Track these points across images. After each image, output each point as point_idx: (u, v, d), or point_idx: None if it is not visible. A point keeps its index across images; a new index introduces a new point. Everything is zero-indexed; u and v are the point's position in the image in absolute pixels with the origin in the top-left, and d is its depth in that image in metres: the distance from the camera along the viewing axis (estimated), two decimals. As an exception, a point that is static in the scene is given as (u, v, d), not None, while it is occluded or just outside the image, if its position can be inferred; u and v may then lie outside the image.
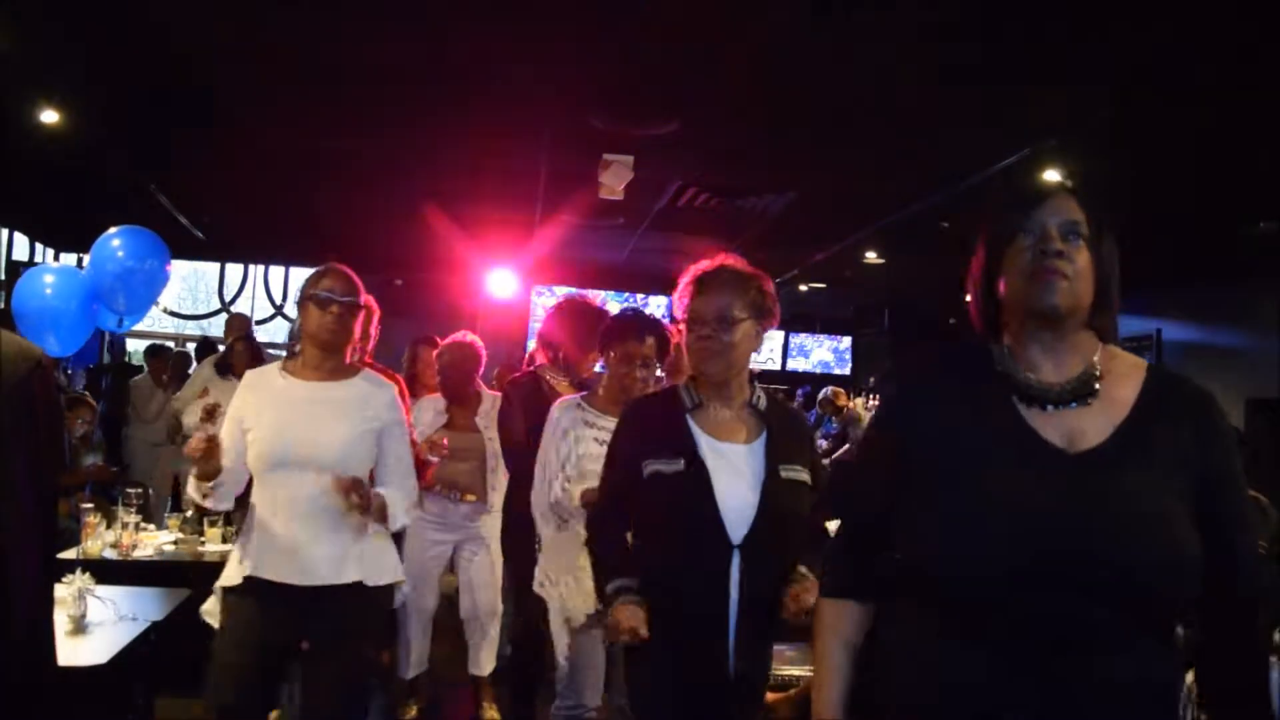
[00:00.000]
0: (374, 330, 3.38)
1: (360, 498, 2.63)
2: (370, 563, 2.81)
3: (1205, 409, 1.56)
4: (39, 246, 9.96)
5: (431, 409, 4.57)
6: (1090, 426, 1.52)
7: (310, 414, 2.77)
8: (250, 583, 2.74)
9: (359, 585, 2.77)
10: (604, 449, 2.66)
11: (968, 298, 1.68)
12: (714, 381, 2.37)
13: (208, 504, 2.82)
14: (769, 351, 12.03)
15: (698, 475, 2.27)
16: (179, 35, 4.12)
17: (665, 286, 9.91)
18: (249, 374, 2.98)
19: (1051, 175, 4.94)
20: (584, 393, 3.23)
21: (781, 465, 2.34)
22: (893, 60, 4.00)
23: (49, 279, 4.59)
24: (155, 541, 4.67)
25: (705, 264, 2.41)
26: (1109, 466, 1.48)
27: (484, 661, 4.59)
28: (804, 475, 2.35)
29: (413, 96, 4.76)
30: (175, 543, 4.73)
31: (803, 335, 12.29)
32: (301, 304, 2.86)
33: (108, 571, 3.95)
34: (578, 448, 3.00)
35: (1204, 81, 3.95)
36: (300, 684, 2.95)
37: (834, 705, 1.64)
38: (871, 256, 8.22)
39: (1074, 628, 1.42)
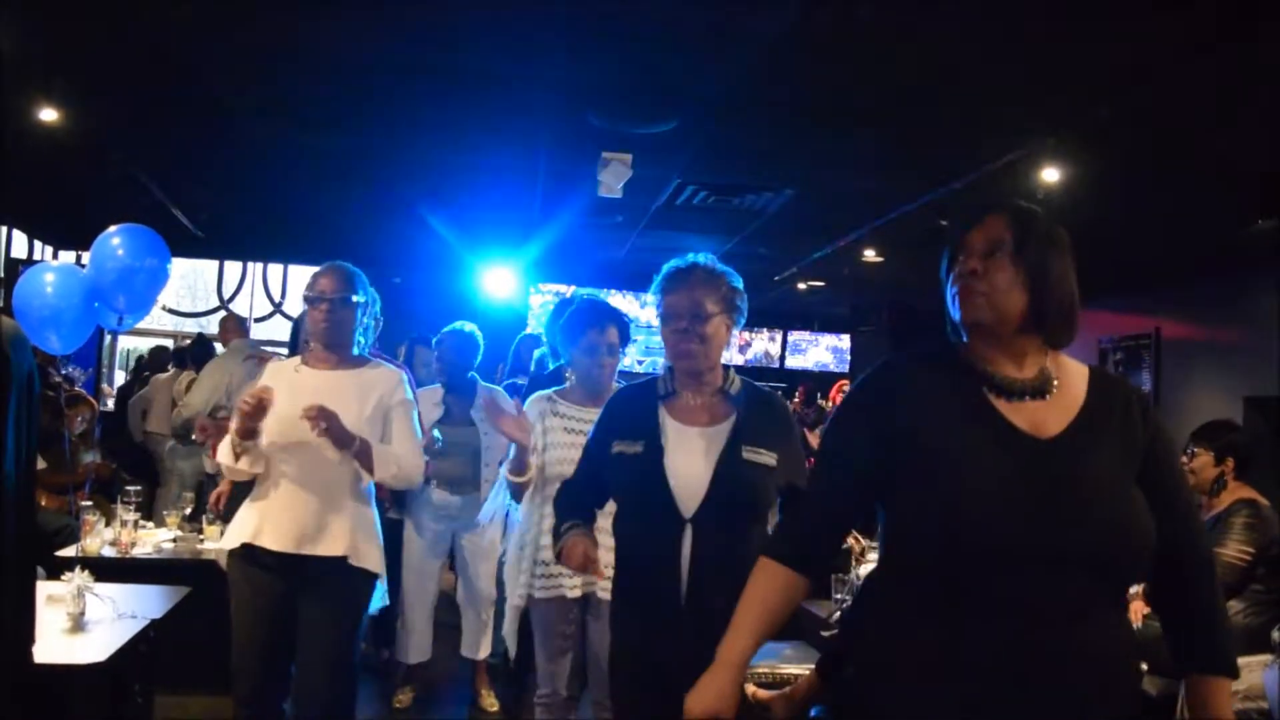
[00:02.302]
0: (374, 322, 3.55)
1: (330, 427, 2.96)
2: (356, 544, 3.11)
3: (1144, 405, 1.78)
4: (38, 244, 9.95)
5: (429, 401, 4.59)
6: (1050, 418, 1.69)
7: (320, 398, 3.03)
8: (248, 550, 3.08)
9: (343, 562, 3.08)
10: (572, 437, 3.14)
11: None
12: (688, 372, 2.54)
13: (240, 465, 3.13)
14: (767, 349, 12.04)
15: (653, 454, 2.46)
16: (178, 34, 4.13)
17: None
18: (271, 364, 3.37)
19: (1049, 174, 4.96)
20: (557, 388, 3.39)
21: (745, 446, 2.48)
22: (891, 58, 4.00)
23: (50, 277, 4.59)
24: (154, 539, 4.68)
25: (678, 262, 2.60)
26: (1072, 452, 1.65)
27: (480, 646, 4.64)
28: (768, 459, 2.48)
29: (410, 94, 4.77)
30: (174, 540, 4.74)
31: (802, 333, 12.30)
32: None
33: (107, 569, 3.97)
34: (546, 437, 3.20)
35: (1200, 79, 3.95)
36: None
37: (739, 653, 1.77)
38: (870, 255, 8.23)
39: (1050, 600, 1.56)
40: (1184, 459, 4.48)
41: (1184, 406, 7.82)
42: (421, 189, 6.69)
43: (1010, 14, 3.52)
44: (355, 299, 3.21)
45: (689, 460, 2.47)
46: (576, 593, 3.16)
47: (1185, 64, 3.77)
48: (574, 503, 2.65)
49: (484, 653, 4.65)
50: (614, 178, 5.37)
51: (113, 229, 4.61)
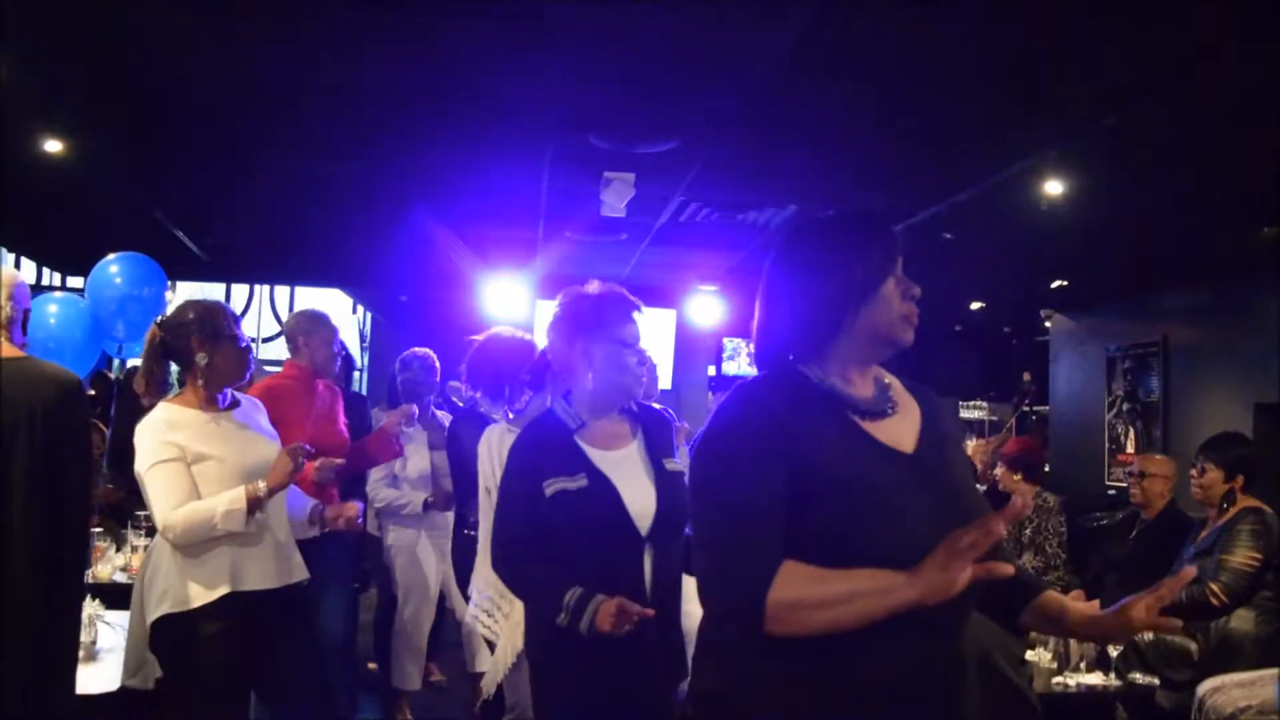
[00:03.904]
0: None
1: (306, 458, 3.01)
2: (300, 563, 3.17)
3: (944, 401, 1.91)
4: (45, 270, 10.00)
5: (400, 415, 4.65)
6: (903, 432, 1.74)
7: (246, 439, 3.06)
8: (232, 598, 2.87)
9: (302, 583, 3.14)
10: None
11: (757, 323, 1.84)
12: (629, 398, 2.66)
13: (249, 524, 2.90)
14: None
15: (601, 486, 2.52)
16: (180, 64, 4.15)
17: (669, 300, 9.91)
18: (157, 416, 3.01)
19: (1054, 185, 4.96)
20: (512, 417, 3.29)
21: (664, 459, 2.63)
22: (893, 73, 4.01)
23: (53, 309, 4.63)
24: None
25: (610, 287, 2.67)
26: (932, 462, 1.71)
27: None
28: (680, 466, 2.60)
29: (414, 117, 4.79)
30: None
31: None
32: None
33: (119, 596, 3.97)
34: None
35: (1205, 86, 3.95)
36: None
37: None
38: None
39: (950, 608, 1.55)
40: (1193, 473, 4.47)
41: (1193, 414, 7.80)
42: (426, 209, 6.70)
43: (1012, 26, 3.52)
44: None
45: (632, 481, 2.56)
46: None
47: (1189, 71, 3.77)
48: (545, 568, 2.55)
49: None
50: (617, 197, 5.39)
51: (110, 257, 4.65)
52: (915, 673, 1.62)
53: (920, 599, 1.49)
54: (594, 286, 2.70)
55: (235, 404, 3.16)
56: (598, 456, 2.58)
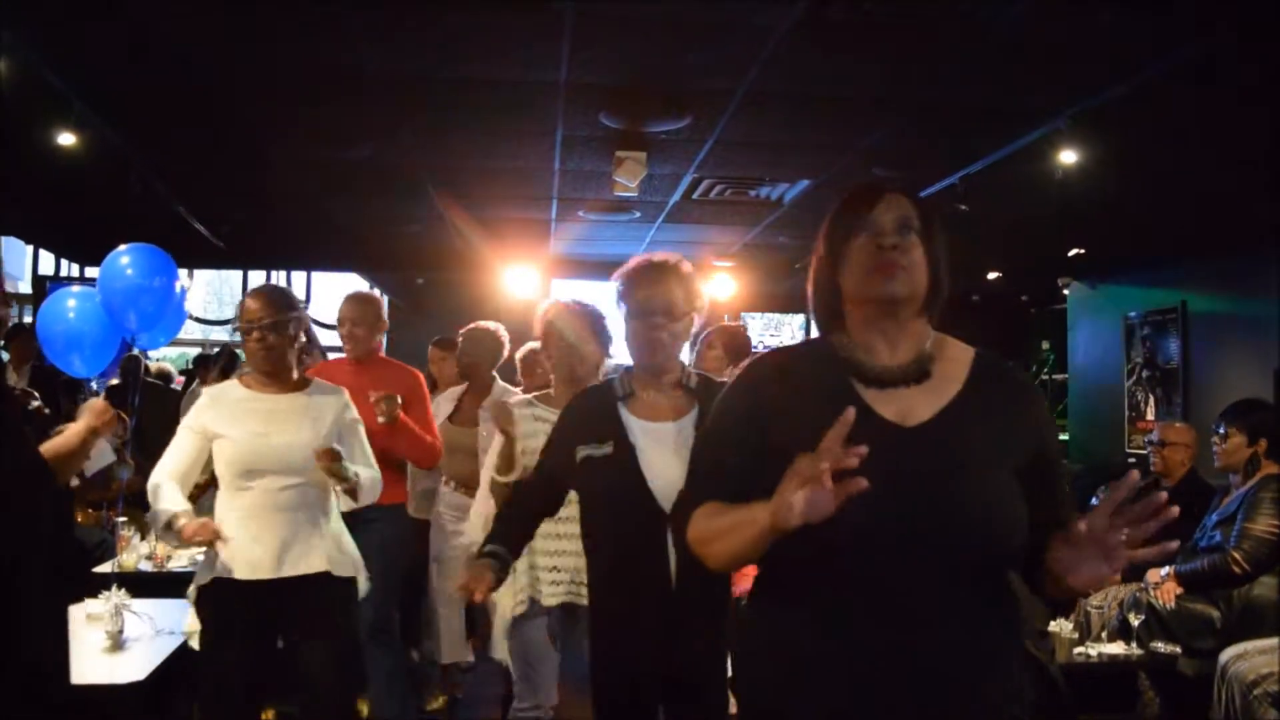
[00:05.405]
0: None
1: (335, 466, 2.98)
2: (334, 556, 3.11)
3: (1025, 388, 1.81)
4: (63, 262, 10.07)
5: (448, 400, 4.66)
6: (922, 404, 1.68)
7: (275, 424, 3.07)
8: (219, 584, 3.00)
9: (325, 575, 3.07)
10: None
11: (809, 291, 1.83)
12: (651, 367, 2.57)
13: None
14: (791, 335, 12.03)
15: (625, 455, 2.49)
16: (196, 55, 4.16)
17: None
18: (210, 389, 3.25)
19: (1069, 154, 4.91)
20: (537, 392, 3.36)
21: None
22: (903, 44, 3.98)
23: (71, 302, 4.66)
24: (189, 552, 4.72)
25: (645, 258, 2.62)
26: (937, 439, 1.65)
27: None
28: None
29: (426, 103, 4.79)
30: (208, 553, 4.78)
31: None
32: None
33: (144, 585, 4.02)
34: (528, 441, 3.13)
35: (1222, 52, 3.90)
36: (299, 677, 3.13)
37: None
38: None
39: (909, 589, 1.56)
40: (1215, 440, 4.45)
41: (1213, 380, 7.75)
42: (441, 193, 6.71)
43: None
44: (286, 321, 3.13)
45: (661, 455, 2.49)
46: (554, 600, 3.10)
47: (1207, 37, 3.72)
48: (509, 514, 2.68)
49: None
50: (629, 176, 5.37)
51: (121, 248, 4.65)
52: (870, 663, 1.59)
53: (770, 526, 1.50)
54: (635, 259, 2.66)
55: (304, 385, 3.20)
56: (637, 427, 2.53)
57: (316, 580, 3.06)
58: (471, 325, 4.75)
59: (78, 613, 3.46)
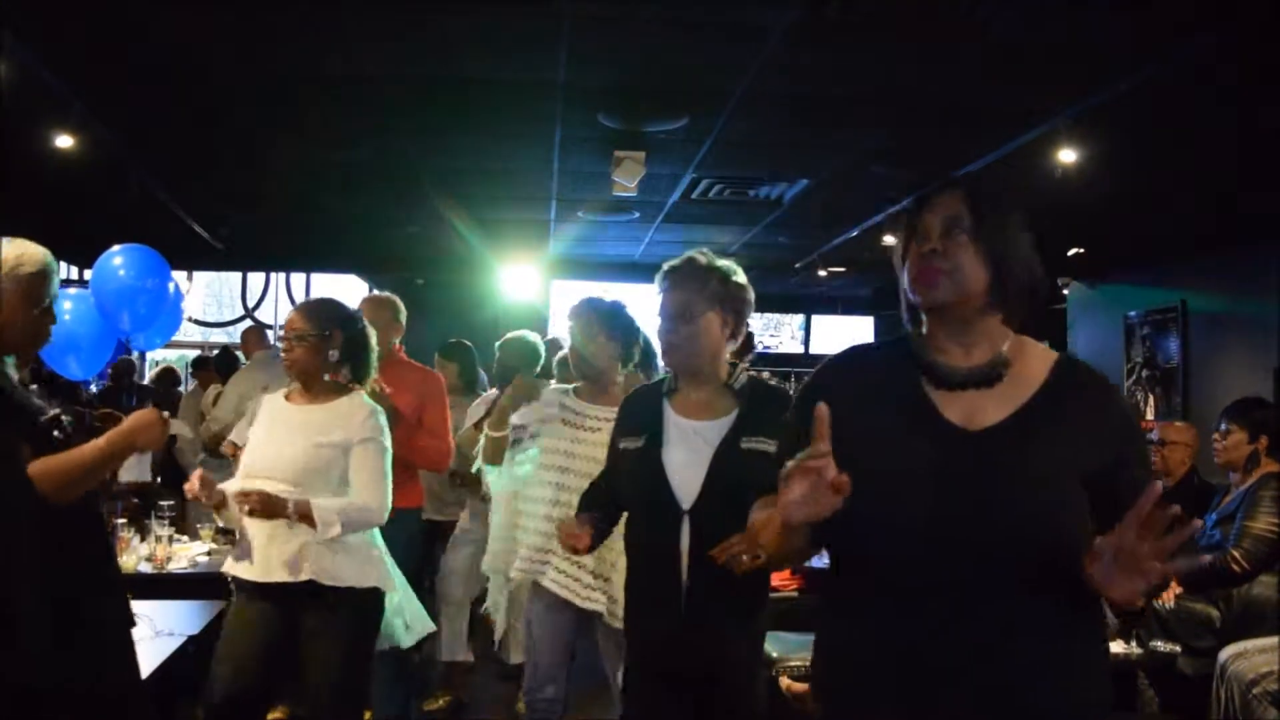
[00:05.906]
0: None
1: (259, 503, 2.88)
2: (323, 566, 3.02)
3: (1108, 395, 1.73)
4: (62, 263, 10.05)
5: (483, 404, 4.66)
6: (991, 407, 1.65)
7: (280, 433, 3.12)
8: (237, 582, 3.12)
9: (313, 584, 3.01)
10: (571, 430, 3.20)
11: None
12: (678, 367, 2.62)
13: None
14: (791, 335, 12.05)
15: (651, 449, 2.54)
16: (193, 55, 4.16)
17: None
18: (267, 397, 3.34)
19: (1067, 153, 4.91)
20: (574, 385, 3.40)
21: (745, 437, 2.52)
22: (901, 43, 3.98)
23: (67, 305, 4.65)
24: (189, 553, 4.72)
25: (675, 260, 2.66)
26: (1002, 443, 1.61)
27: (515, 649, 4.67)
28: (768, 445, 2.41)
29: (425, 103, 4.79)
30: (209, 554, 4.78)
31: (825, 318, 12.30)
32: None
33: (144, 586, 4.01)
34: (544, 425, 3.25)
35: (1224, 48, 3.90)
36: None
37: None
38: (890, 240, 8.19)
39: (969, 594, 1.55)
40: (1216, 437, 4.45)
41: (1213, 380, 7.74)
42: (440, 194, 6.71)
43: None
44: (318, 335, 3.12)
45: (686, 453, 2.52)
46: (589, 605, 3.10)
47: (1204, 33, 3.72)
48: (588, 497, 2.84)
49: (517, 658, 4.67)
50: (628, 176, 5.38)
51: (114, 249, 4.64)
52: (880, 653, 1.61)
53: (783, 521, 1.54)
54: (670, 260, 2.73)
55: (338, 397, 3.16)
56: (676, 423, 2.58)
57: (334, 589, 3.03)
58: (510, 334, 4.77)
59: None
